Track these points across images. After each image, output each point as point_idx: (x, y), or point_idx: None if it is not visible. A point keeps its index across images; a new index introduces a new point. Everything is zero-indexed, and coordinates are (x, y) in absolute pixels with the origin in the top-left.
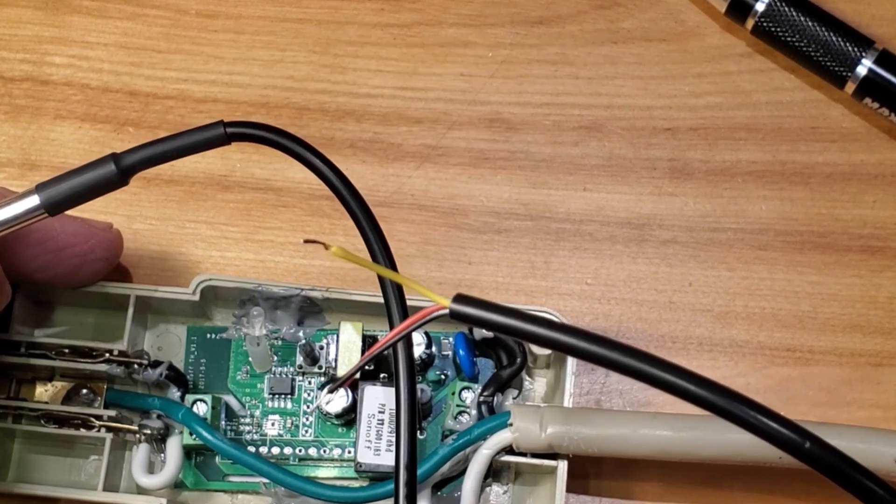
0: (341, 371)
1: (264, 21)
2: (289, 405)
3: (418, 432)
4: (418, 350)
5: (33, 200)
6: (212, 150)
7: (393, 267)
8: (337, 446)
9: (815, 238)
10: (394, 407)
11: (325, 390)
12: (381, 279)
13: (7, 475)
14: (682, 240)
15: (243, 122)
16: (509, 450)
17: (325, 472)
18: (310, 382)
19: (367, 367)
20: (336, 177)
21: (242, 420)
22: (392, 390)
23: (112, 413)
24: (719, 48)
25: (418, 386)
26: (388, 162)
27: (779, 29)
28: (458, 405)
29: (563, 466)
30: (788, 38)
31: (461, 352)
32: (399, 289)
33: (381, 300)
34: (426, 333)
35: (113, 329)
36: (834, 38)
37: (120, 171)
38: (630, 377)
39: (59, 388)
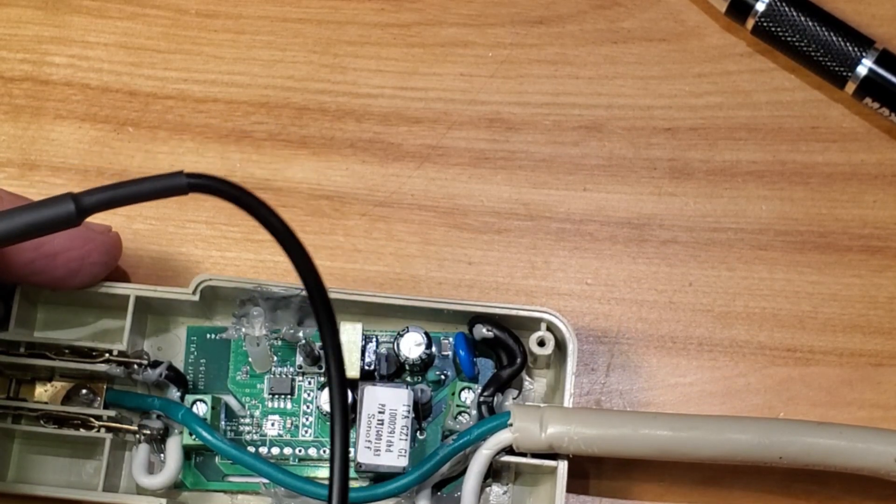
0: None
1: (264, 21)
2: (289, 405)
3: (418, 433)
4: (418, 350)
5: None
6: (171, 197)
7: (334, 326)
8: None
9: (816, 238)
10: (395, 407)
11: None
12: (307, 285)
13: (7, 475)
14: (683, 240)
15: (204, 175)
16: (509, 450)
17: (325, 473)
18: (310, 383)
19: (366, 367)
20: (289, 235)
21: (242, 420)
22: (394, 390)
23: (112, 413)
24: (719, 48)
25: (418, 386)
26: (388, 162)
27: (779, 29)
28: (457, 405)
29: (563, 466)
30: (789, 38)
31: (461, 352)
32: (319, 282)
33: (382, 300)
34: (426, 333)
35: (113, 329)
36: (834, 38)
37: (77, 212)
38: None
39: (59, 388)
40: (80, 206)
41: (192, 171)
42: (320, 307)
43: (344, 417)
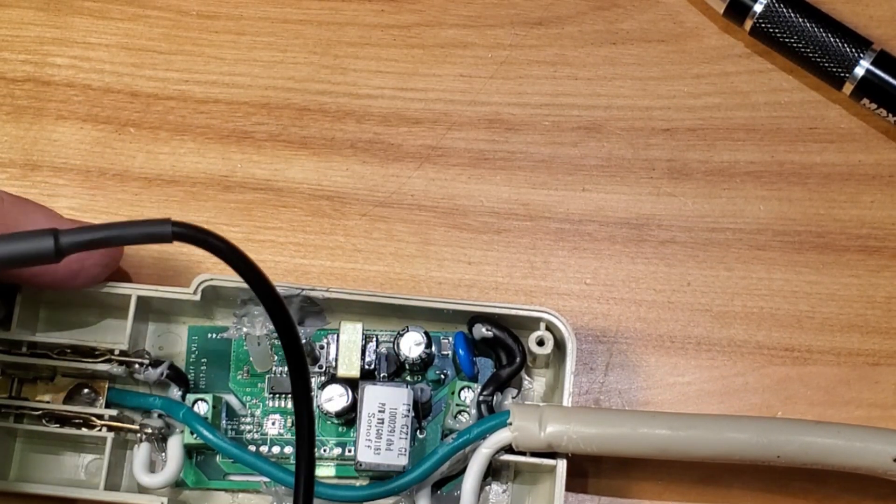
0: (341, 370)
1: (265, 22)
2: (289, 404)
3: (418, 432)
4: (418, 350)
5: None
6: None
7: (311, 425)
8: (337, 445)
9: (813, 238)
10: (395, 406)
11: None
12: (284, 344)
13: (9, 474)
14: (681, 240)
15: (190, 226)
16: (509, 449)
17: (325, 472)
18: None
19: (367, 367)
20: (272, 295)
21: (243, 419)
22: (394, 389)
23: (113, 412)
24: (718, 49)
25: (418, 385)
26: (388, 162)
27: (777, 30)
28: (457, 404)
29: (562, 465)
30: (786, 39)
31: (461, 351)
32: (298, 346)
33: (382, 300)
34: (426, 333)
35: (114, 329)
36: (832, 39)
37: (57, 250)
38: None
39: (61, 387)
40: (59, 246)
41: (179, 219)
42: (296, 375)
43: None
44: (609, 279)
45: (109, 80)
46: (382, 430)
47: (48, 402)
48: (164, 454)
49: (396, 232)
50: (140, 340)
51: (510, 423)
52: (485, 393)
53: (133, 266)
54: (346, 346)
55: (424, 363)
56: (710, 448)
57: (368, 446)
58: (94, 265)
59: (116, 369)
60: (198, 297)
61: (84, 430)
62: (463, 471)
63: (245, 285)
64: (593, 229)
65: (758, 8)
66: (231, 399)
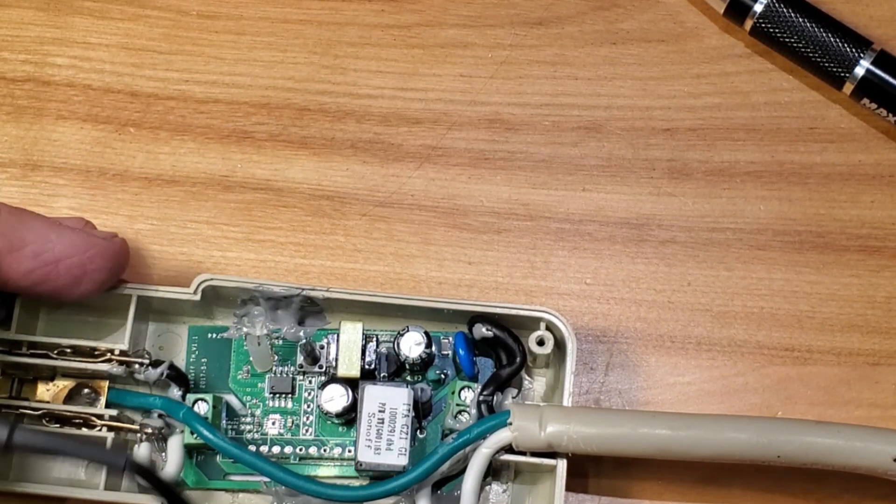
0: (341, 370)
1: (265, 22)
2: (289, 404)
3: (419, 432)
4: (418, 350)
5: None
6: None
7: None
8: (337, 445)
9: (814, 238)
10: (394, 406)
11: None
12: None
13: (9, 474)
14: (681, 240)
15: (143, 470)
16: (509, 449)
17: (325, 471)
18: (310, 382)
19: (367, 366)
20: None
21: (243, 419)
22: (394, 389)
23: (113, 412)
24: (718, 49)
25: (418, 385)
26: (388, 162)
27: (777, 30)
28: (457, 404)
29: (562, 465)
30: (787, 39)
31: (461, 351)
32: None
33: (382, 300)
34: (426, 333)
35: (114, 329)
36: (832, 39)
37: (6, 445)
38: None
39: (61, 387)
40: (12, 441)
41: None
42: None
43: None
44: (609, 279)
45: (109, 80)
46: (382, 430)
47: (48, 403)
48: (164, 454)
49: (396, 232)
50: (140, 340)
51: (510, 423)
52: (485, 393)
53: (133, 266)
54: (346, 346)
55: (424, 363)
56: (710, 448)
57: (368, 446)
58: (97, 270)
59: (116, 369)
60: (198, 297)
61: (84, 430)
62: (463, 471)
63: (246, 285)
64: (593, 229)
65: (758, 8)
66: (231, 399)
